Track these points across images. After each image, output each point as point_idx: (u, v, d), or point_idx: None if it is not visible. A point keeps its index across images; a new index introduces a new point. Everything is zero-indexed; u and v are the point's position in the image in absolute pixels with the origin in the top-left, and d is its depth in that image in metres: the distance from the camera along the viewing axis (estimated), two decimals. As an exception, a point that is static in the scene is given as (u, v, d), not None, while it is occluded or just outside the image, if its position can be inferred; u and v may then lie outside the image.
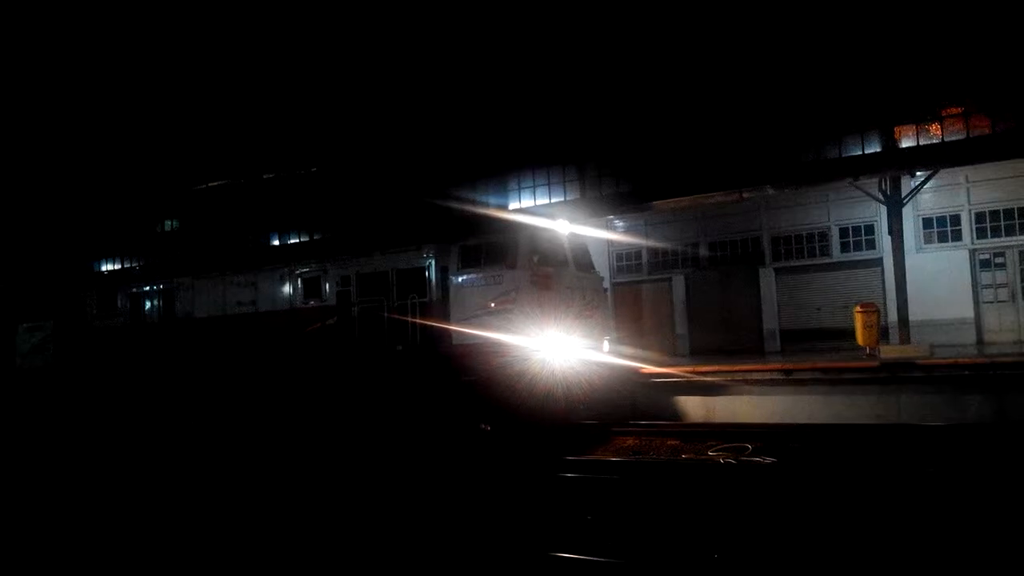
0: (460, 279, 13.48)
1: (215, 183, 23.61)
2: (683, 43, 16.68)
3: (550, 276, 13.04)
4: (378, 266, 14.70)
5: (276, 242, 21.98)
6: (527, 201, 18.57)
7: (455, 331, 13.27)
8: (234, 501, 9.48)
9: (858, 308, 15.32)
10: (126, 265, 24.84)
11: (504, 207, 18.82)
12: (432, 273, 13.91)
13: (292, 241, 21.79)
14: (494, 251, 13.19)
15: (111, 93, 24.96)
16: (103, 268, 25.31)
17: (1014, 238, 16.92)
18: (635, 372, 14.86)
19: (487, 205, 18.88)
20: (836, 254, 18.94)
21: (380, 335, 14.36)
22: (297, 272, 16.00)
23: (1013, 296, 16.89)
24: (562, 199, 17.97)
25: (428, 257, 14.03)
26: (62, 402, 18.46)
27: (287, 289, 16.04)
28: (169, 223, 25.05)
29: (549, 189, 18.28)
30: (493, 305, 12.80)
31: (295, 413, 14.63)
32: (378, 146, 20.59)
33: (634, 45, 17.11)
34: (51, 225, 26.37)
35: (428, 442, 12.48)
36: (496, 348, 12.54)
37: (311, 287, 15.70)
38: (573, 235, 14.90)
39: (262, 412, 15.04)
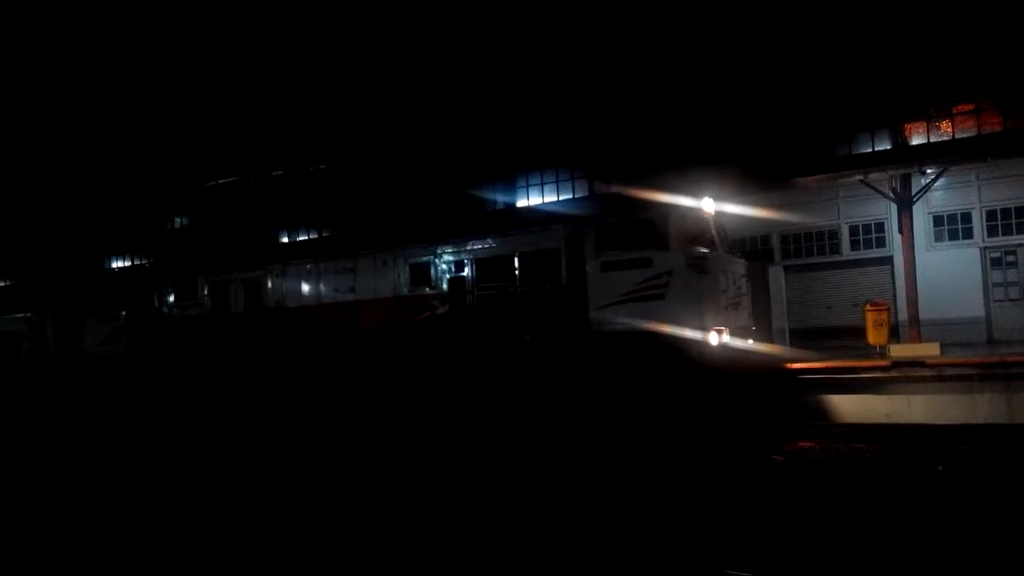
0: (599, 262, 12.33)
1: (320, 166, 22.72)
2: (688, 40, 16.62)
3: (707, 259, 11.95)
4: (499, 250, 13.61)
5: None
6: (535, 198, 18.58)
7: (594, 320, 12.22)
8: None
9: (868, 306, 15.18)
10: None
11: (513, 204, 18.84)
12: (564, 256, 12.84)
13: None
14: (640, 231, 12.03)
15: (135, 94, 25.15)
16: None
17: (1026, 236, 16.76)
18: (782, 366, 13.73)
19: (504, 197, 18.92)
20: (846, 252, 18.82)
21: (503, 324, 13.26)
22: (403, 257, 14.89)
23: (1024, 294, 16.77)
24: (569, 197, 18.04)
25: (559, 239, 12.97)
26: (138, 392, 17.75)
27: (391, 276, 14.93)
28: (191, 213, 25.23)
29: (557, 187, 18.29)
30: (639, 291, 11.72)
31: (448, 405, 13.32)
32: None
33: (640, 43, 17.09)
34: (110, 217, 26.65)
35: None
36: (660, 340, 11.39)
37: (419, 273, 14.57)
38: (719, 214, 13.52)
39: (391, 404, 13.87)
